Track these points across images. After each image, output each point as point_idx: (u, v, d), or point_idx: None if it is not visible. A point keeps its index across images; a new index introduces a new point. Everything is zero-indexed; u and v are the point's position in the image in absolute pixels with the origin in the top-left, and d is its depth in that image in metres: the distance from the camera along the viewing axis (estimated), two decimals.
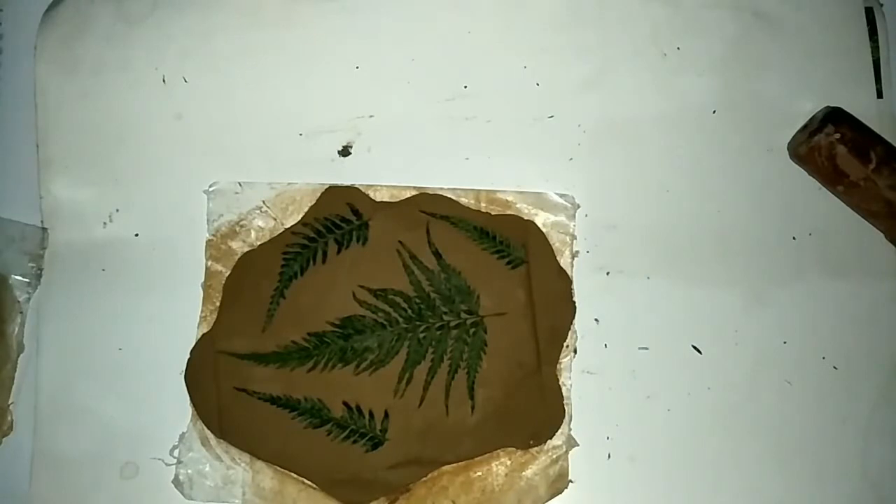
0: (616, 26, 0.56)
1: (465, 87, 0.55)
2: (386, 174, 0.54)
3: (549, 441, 0.50)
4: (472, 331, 0.51)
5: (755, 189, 0.54)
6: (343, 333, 0.51)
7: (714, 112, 0.55)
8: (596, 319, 0.52)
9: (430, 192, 0.53)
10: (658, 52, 0.56)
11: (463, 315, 0.51)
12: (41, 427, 0.51)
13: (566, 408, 0.51)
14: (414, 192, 0.53)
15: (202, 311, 0.52)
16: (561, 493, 0.50)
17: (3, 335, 0.53)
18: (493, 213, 0.53)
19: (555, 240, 0.53)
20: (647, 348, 0.52)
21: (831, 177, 0.52)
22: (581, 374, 0.52)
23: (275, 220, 0.53)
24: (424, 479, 0.50)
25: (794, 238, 0.54)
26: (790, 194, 0.54)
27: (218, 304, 0.52)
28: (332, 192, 0.53)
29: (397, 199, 0.53)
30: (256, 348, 0.51)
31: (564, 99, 0.55)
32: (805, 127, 0.53)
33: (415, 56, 0.56)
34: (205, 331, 0.52)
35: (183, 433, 0.51)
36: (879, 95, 0.55)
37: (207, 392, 0.51)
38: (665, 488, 0.51)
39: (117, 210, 0.54)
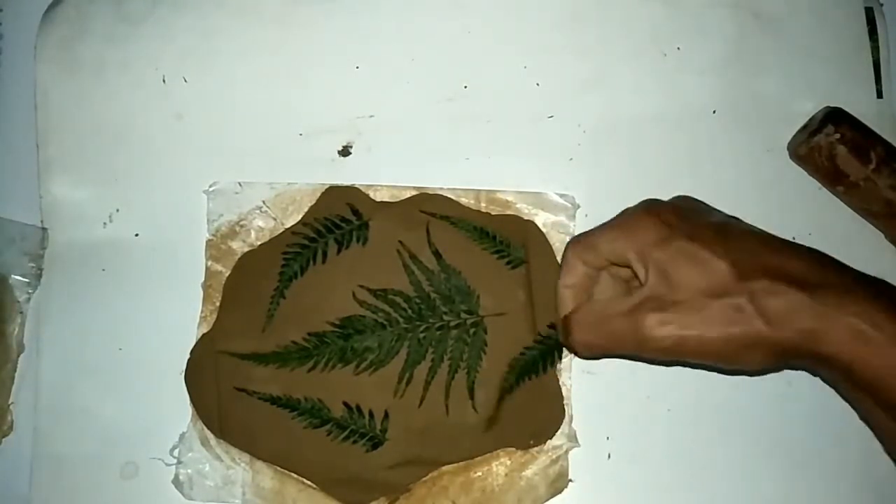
0: (616, 26, 0.56)
1: (465, 87, 0.55)
2: (386, 174, 0.54)
3: (549, 441, 0.50)
4: (472, 331, 0.51)
5: (755, 189, 0.54)
6: (343, 333, 0.51)
7: (714, 112, 0.55)
8: None
9: (430, 192, 0.53)
10: (658, 52, 0.56)
11: (463, 315, 0.51)
12: (41, 427, 0.51)
13: (566, 408, 0.51)
14: (414, 192, 0.53)
15: (202, 311, 0.52)
16: (561, 492, 0.50)
17: (3, 335, 0.53)
18: (493, 213, 0.53)
19: (555, 240, 0.53)
20: None
21: (831, 177, 0.52)
22: (581, 374, 0.52)
23: (275, 220, 0.53)
24: (424, 479, 0.50)
25: (794, 238, 0.53)
26: (790, 194, 0.54)
27: (218, 304, 0.52)
28: (332, 192, 0.53)
29: (397, 199, 0.53)
30: (256, 348, 0.51)
31: (564, 99, 0.55)
32: (805, 127, 0.53)
33: (415, 56, 0.56)
34: (205, 331, 0.52)
35: (183, 433, 0.51)
36: (879, 95, 0.55)
37: (207, 392, 0.51)
38: (665, 488, 0.50)
39: (117, 210, 0.54)
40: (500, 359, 0.51)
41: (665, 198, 0.53)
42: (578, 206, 0.53)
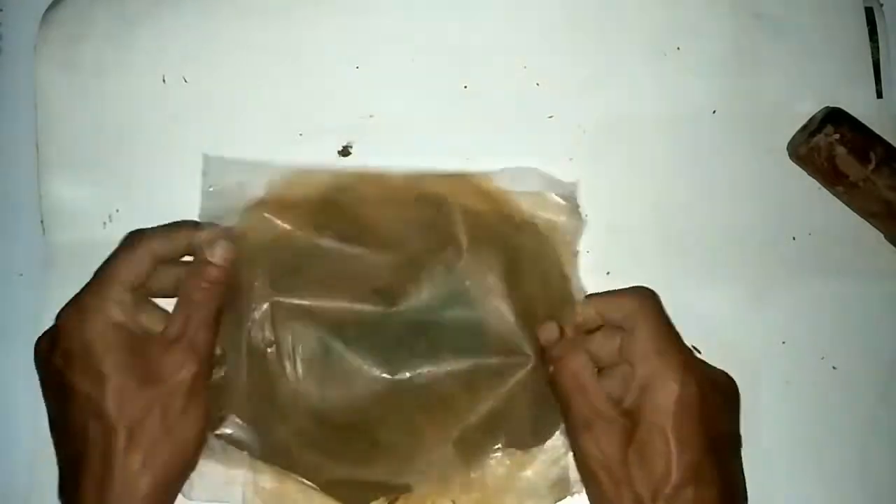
0: (616, 26, 0.56)
1: (465, 87, 0.55)
2: None
3: (549, 441, 0.50)
4: None
5: (755, 189, 0.54)
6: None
7: (714, 112, 0.55)
8: None
9: None
10: (658, 52, 0.56)
11: None
12: (41, 427, 0.51)
13: None
14: None
15: None
16: (561, 493, 0.50)
17: None
18: None
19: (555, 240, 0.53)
20: None
21: (831, 177, 0.52)
22: None
23: None
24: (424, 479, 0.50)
25: (794, 238, 0.54)
26: (790, 194, 0.54)
27: None
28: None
29: None
30: None
31: (564, 99, 0.55)
32: (805, 127, 0.53)
33: (415, 56, 0.56)
34: None
35: None
36: (879, 95, 0.55)
37: None
38: None
39: (117, 210, 0.54)
40: None
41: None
42: (579, 207, 0.53)
